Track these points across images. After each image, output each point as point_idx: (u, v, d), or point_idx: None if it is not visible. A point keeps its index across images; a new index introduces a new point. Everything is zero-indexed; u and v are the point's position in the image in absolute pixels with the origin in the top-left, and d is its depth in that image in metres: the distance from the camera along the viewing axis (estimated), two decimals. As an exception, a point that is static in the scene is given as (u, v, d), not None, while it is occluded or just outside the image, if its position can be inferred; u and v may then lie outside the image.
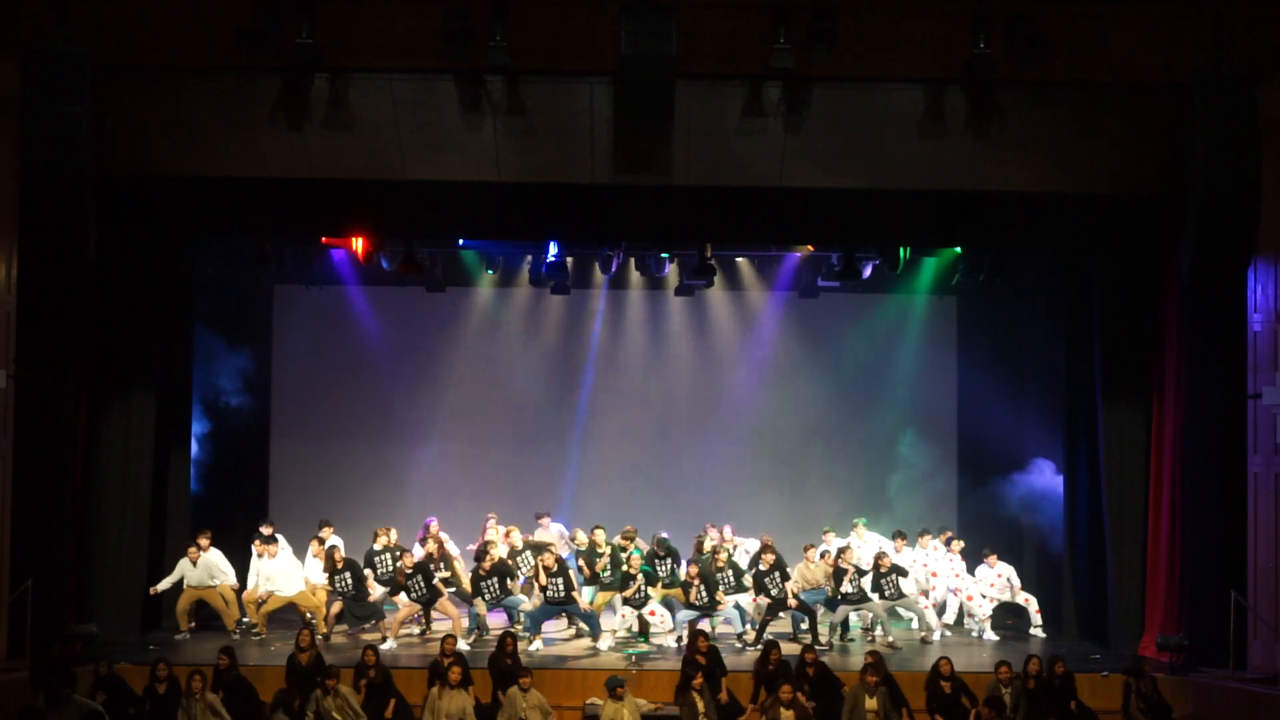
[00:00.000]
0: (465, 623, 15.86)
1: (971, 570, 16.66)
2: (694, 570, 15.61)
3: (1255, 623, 13.84)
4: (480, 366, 19.30)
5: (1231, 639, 13.90)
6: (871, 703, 12.82)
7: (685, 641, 14.16)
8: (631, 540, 16.14)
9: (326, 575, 15.81)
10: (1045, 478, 17.61)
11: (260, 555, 16.07)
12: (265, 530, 16.48)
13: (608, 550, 16.05)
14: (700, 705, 12.81)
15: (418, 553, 16.33)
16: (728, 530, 17.12)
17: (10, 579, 13.69)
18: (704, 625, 16.06)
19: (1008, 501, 17.94)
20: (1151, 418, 15.56)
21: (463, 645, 15.11)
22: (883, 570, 15.79)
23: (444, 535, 16.64)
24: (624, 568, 15.68)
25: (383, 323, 19.24)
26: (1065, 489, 16.87)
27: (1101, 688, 13.95)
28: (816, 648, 14.18)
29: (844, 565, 15.64)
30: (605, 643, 15.38)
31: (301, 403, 19.14)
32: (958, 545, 16.85)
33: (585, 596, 15.77)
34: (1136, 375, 15.70)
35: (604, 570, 15.90)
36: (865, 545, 16.99)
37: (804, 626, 15.81)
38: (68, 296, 14.48)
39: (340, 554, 15.79)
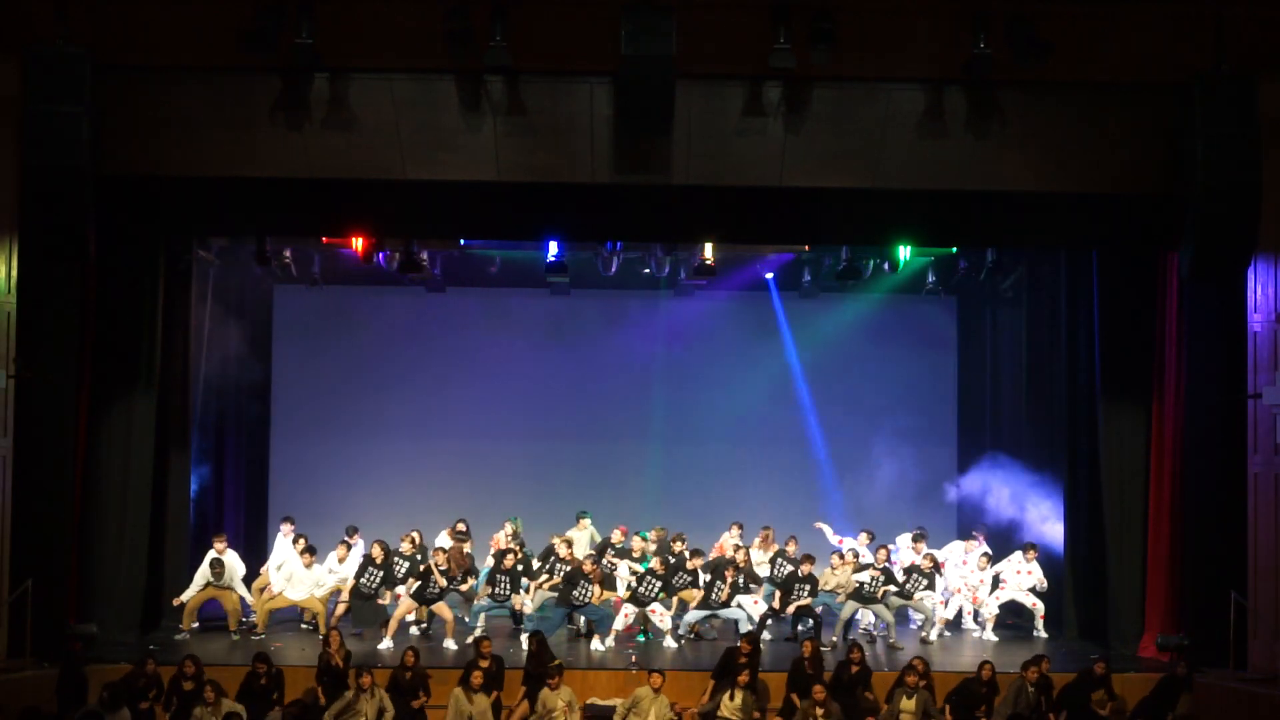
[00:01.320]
0: (467, 620, 15.89)
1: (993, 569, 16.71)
2: (731, 573, 15.67)
3: (1255, 623, 13.83)
4: (480, 366, 19.31)
5: (1231, 639, 13.90)
6: (909, 704, 12.84)
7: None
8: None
9: (358, 566, 15.93)
10: (1045, 477, 17.60)
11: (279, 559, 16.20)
12: (286, 528, 16.64)
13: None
14: (740, 700, 12.92)
15: (442, 540, 16.49)
16: (754, 541, 17.17)
17: (10, 579, 13.70)
18: (707, 625, 16.13)
19: (1008, 501, 17.94)
20: (1151, 418, 15.55)
21: (451, 644, 15.23)
22: (919, 569, 15.98)
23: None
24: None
25: (383, 323, 19.24)
26: (1065, 489, 16.86)
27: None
28: (821, 648, 14.22)
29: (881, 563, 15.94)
30: (607, 642, 15.40)
31: (302, 402, 19.15)
32: (975, 542, 16.88)
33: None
34: (1136, 375, 15.69)
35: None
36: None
37: (803, 628, 15.82)
38: (68, 296, 14.48)
39: (382, 549, 15.86)
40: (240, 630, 15.95)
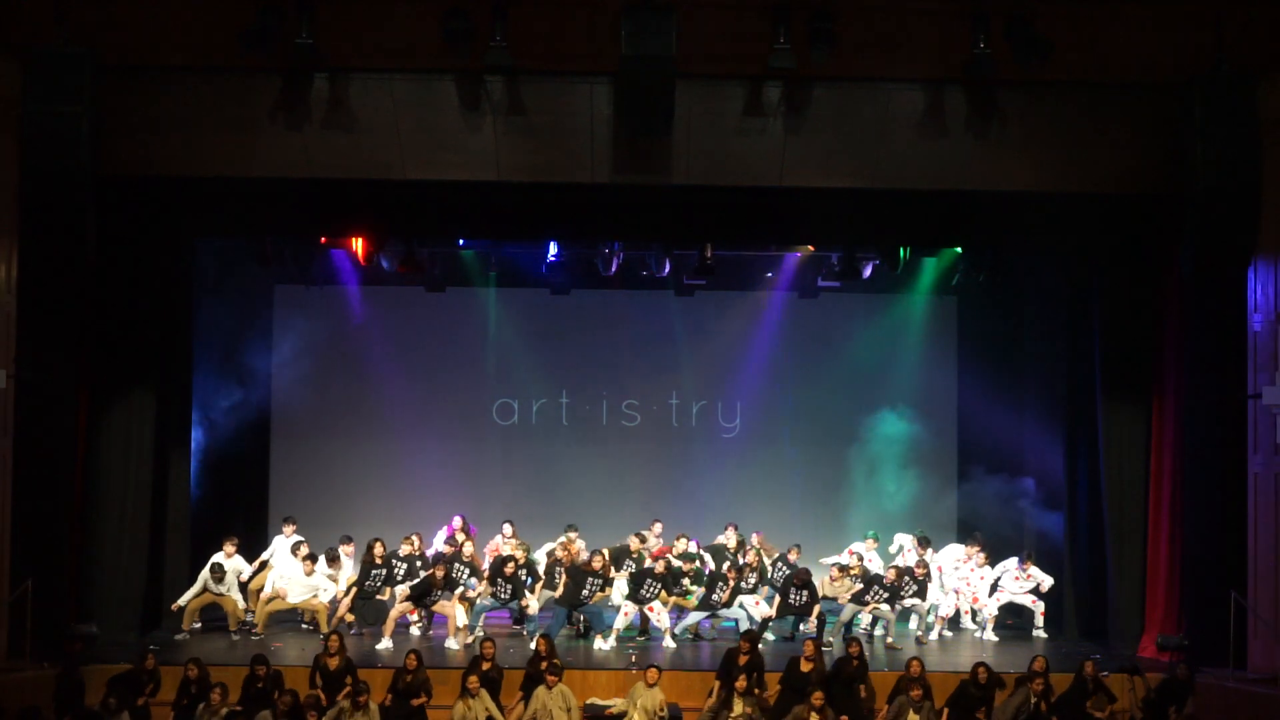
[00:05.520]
0: (466, 620, 15.87)
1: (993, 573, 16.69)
2: (733, 575, 15.66)
3: (1255, 623, 13.84)
4: (480, 366, 19.29)
5: (1231, 639, 13.90)
6: (915, 718, 12.78)
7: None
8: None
9: (359, 569, 15.93)
10: (1045, 477, 17.59)
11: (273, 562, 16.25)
12: (288, 530, 16.65)
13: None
14: (741, 707, 12.83)
15: (439, 545, 16.47)
16: (755, 538, 17.12)
17: (10, 579, 13.70)
18: (706, 625, 16.11)
19: (1008, 501, 17.92)
20: (1151, 418, 15.56)
21: (453, 644, 15.19)
22: (900, 583, 15.86)
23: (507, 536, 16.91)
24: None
25: (383, 323, 19.22)
26: (1065, 489, 16.87)
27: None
28: (823, 649, 14.22)
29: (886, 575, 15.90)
30: (607, 641, 15.38)
31: (302, 403, 19.11)
32: (976, 547, 16.86)
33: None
34: (1136, 375, 15.70)
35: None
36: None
37: (804, 628, 15.81)
38: (68, 296, 14.49)
39: (382, 549, 15.86)
40: (240, 631, 15.95)
